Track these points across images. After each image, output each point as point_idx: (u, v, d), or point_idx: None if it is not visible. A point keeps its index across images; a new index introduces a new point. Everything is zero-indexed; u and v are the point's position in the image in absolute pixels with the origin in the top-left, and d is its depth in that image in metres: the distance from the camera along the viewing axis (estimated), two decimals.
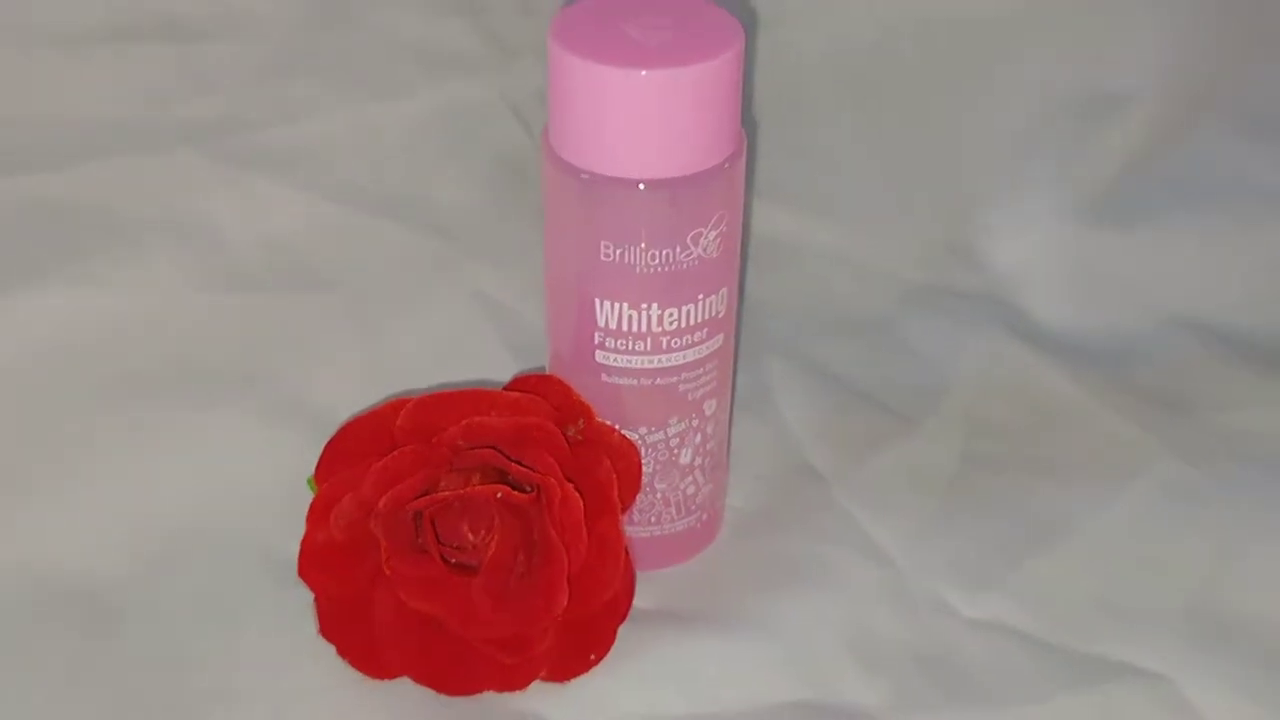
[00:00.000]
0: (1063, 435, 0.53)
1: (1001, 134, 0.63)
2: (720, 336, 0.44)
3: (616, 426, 0.43)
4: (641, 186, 0.39)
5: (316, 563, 0.42)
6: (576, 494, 0.41)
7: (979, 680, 0.43)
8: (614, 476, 0.42)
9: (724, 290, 0.43)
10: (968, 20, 0.62)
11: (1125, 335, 0.59)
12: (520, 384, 0.44)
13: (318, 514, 0.42)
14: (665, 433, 0.44)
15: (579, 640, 0.42)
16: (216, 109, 0.55)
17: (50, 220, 0.53)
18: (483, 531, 0.42)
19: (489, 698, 0.42)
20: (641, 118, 0.39)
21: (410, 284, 0.57)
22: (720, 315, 0.43)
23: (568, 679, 0.42)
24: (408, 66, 0.58)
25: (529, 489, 0.41)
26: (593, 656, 0.42)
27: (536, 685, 0.42)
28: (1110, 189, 0.63)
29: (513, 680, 0.42)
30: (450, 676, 0.42)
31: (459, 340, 0.55)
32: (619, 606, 0.43)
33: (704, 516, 0.47)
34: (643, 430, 0.44)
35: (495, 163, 0.59)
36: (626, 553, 0.43)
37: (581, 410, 0.43)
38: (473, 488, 0.41)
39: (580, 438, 0.43)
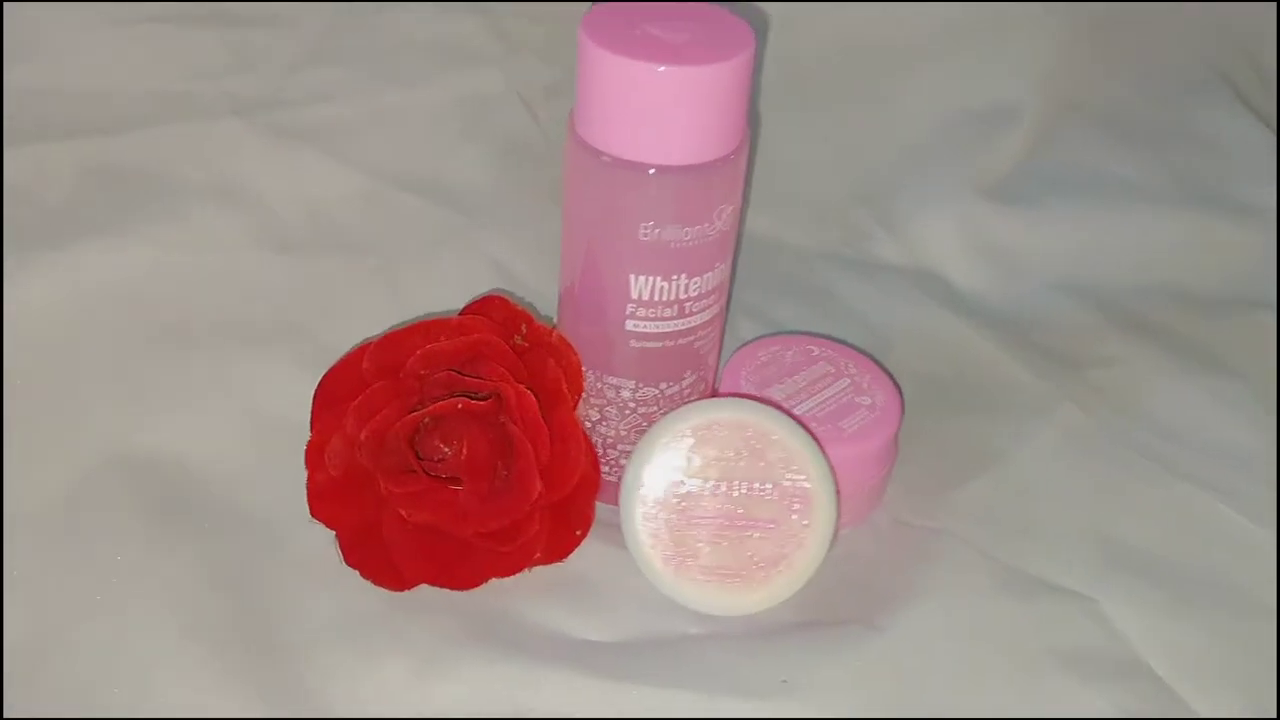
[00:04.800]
0: (981, 383, 0.55)
1: (913, 138, 0.66)
2: (723, 297, 0.44)
3: (639, 384, 0.43)
4: (683, 172, 0.38)
5: (323, 501, 0.42)
6: (529, 393, 0.41)
7: (933, 577, 0.44)
8: (560, 373, 0.42)
9: (729, 257, 0.43)
10: (886, 45, 0.66)
11: (1025, 300, 0.61)
12: (468, 309, 0.44)
13: (314, 457, 0.42)
14: (680, 385, 0.44)
15: (563, 521, 0.42)
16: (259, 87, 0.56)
17: (108, 181, 0.53)
18: (455, 442, 0.41)
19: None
20: (699, 110, 0.38)
21: (431, 250, 0.56)
22: (725, 279, 0.43)
23: (562, 557, 0.42)
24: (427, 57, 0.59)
25: (487, 397, 0.41)
26: (578, 533, 0.42)
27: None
28: (1005, 181, 0.65)
29: (511, 565, 0.41)
30: (458, 573, 0.41)
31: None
32: (590, 485, 0.43)
33: None
34: (663, 385, 0.43)
35: (506, 146, 0.59)
36: (586, 436, 0.42)
37: (522, 318, 0.43)
38: (437, 405, 0.40)
39: (525, 344, 0.43)
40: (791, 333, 0.51)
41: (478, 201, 0.57)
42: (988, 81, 0.68)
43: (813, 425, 0.44)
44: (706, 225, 0.40)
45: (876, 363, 0.49)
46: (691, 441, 0.40)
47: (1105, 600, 0.44)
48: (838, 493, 0.41)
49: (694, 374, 0.44)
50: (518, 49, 0.60)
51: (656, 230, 0.39)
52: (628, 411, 0.43)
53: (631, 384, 0.43)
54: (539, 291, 0.54)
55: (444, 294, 0.52)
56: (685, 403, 0.44)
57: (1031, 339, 0.58)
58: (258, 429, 0.47)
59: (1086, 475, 0.50)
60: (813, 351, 0.48)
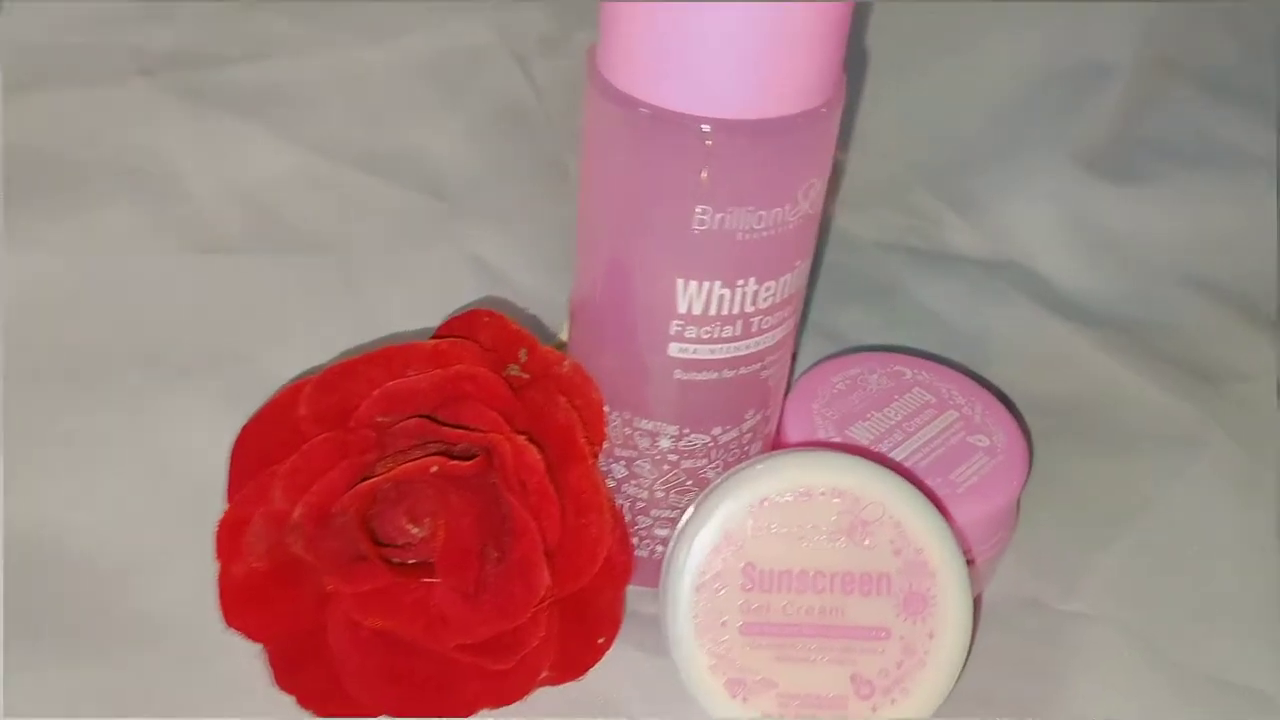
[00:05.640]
0: (1108, 407, 0.43)
1: (991, 102, 0.54)
2: (798, 307, 0.31)
3: (684, 430, 0.30)
4: (753, 129, 0.26)
5: (243, 604, 0.29)
6: (532, 446, 0.29)
7: (1085, 684, 0.33)
8: (574, 416, 0.30)
9: (811, 252, 0.30)
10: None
11: (1140, 298, 0.49)
12: (444, 329, 0.32)
13: (228, 542, 0.29)
14: (739, 429, 0.31)
15: (581, 624, 0.30)
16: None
17: None
18: (427, 518, 0.29)
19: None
20: (785, 42, 0.25)
21: (400, 248, 0.43)
22: (803, 284, 0.31)
23: (579, 674, 0.30)
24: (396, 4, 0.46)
25: (473, 454, 0.29)
26: (601, 640, 0.30)
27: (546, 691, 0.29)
28: (1104, 151, 0.54)
29: (510, 690, 0.29)
30: (436, 703, 0.29)
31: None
32: (618, 571, 0.30)
33: None
34: (716, 430, 0.31)
35: (494, 114, 0.46)
36: (612, 503, 0.30)
37: (522, 340, 0.31)
38: (402, 467, 0.28)
39: (526, 376, 0.31)
40: (870, 348, 0.39)
41: (459, 185, 0.44)
42: (1074, 35, 0.55)
43: (915, 479, 0.32)
44: (787, 208, 0.27)
45: (988, 386, 0.37)
46: (766, 516, 0.28)
47: None
48: (973, 586, 0.29)
49: (758, 413, 0.31)
50: None
51: (718, 216, 0.27)
52: (666, 466, 0.31)
53: (673, 430, 0.30)
54: (539, 300, 0.42)
55: (418, 306, 0.39)
56: (744, 453, 0.32)
57: (1157, 347, 0.46)
58: (170, 496, 0.34)
59: (1258, 527, 0.38)
60: (904, 374, 0.36)
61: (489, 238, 0.43)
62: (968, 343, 0.46)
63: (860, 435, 0.34)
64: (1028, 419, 0.42)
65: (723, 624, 0.27)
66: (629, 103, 0.26)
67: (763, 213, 0.27)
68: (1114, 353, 0.45)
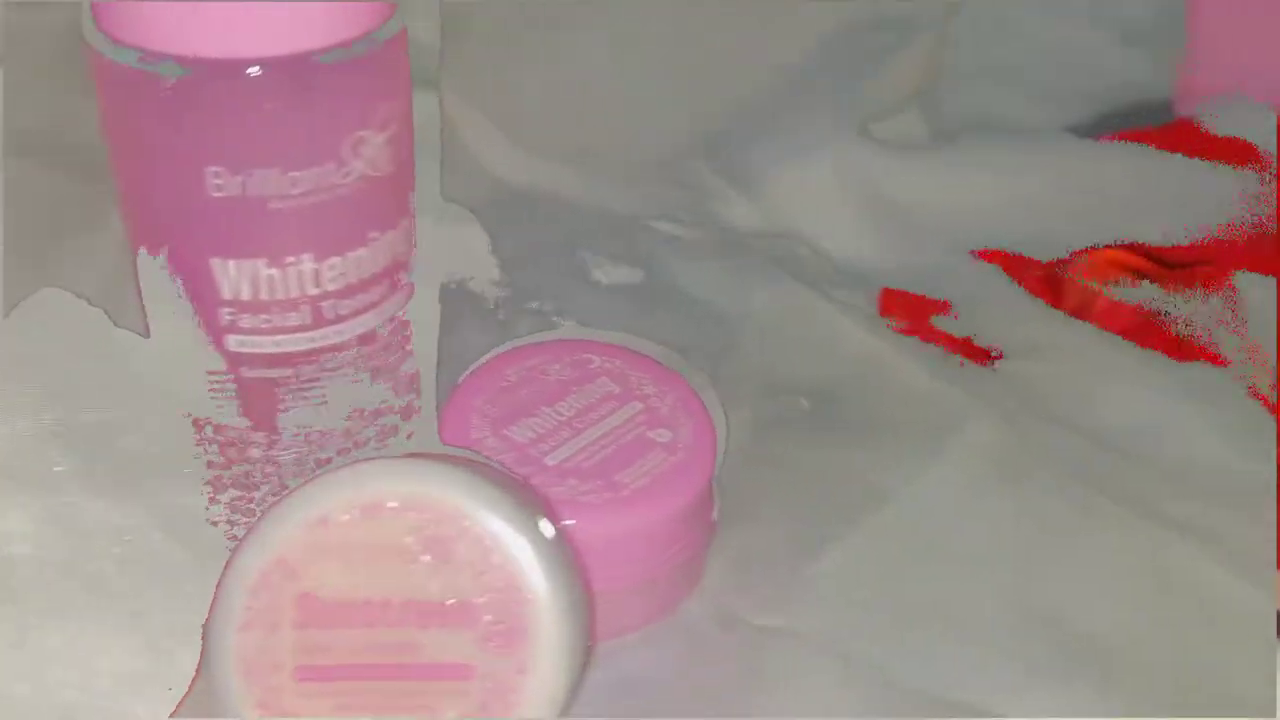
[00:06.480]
0: (867, 392, 0.39)
1: (779, 60, 0.50)
2: (401, 287, 0.27)
3: (273, 437, 0.26)
4: (255, 70, 0.22)
5: None
6: None
7: (767, 706, 0.29)
8: None
9: (405, 219, 0.26)
10: None
11: (924, 272, 0.45)
12: None
13: None
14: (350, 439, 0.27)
15: None
16: None
17: None
18: None
19: None
20: None
21: (56, 242, 0.36)
22: (403, 256, 0.26)
23: None
24: None
25: None
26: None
27: None
28: (900, 116, 0.51)
29: None
30: None
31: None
32: None
33: None
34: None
35: None
36: None
37: None
38: None
39: None
40: (565, 336, 0.35)
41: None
42: None
43: (572, 483, 0.28)
44: (331, 167, 0.23)
45: (684, 376, 0.32)
46: (326, 537, 0.24)
47: None
48: (587, 608, 0.24)
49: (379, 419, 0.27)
50: None
51: (237, 179, 0.22)
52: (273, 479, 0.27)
53: (260, 438, 0.26)
54: None
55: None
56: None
57: (935, 324, 0.42)
58: None
59: (1007, 523, 0.34)
60: (591, 362, 0.32)
61: None
62: (721, 325, 0.41)
63: (519, 435, 0.29)
64: (769, 407, 0.38)
65: (274, 668, 0.23)
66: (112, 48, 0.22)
67: (296, 174, 0.22)
68: (884, 333, 0.42)
